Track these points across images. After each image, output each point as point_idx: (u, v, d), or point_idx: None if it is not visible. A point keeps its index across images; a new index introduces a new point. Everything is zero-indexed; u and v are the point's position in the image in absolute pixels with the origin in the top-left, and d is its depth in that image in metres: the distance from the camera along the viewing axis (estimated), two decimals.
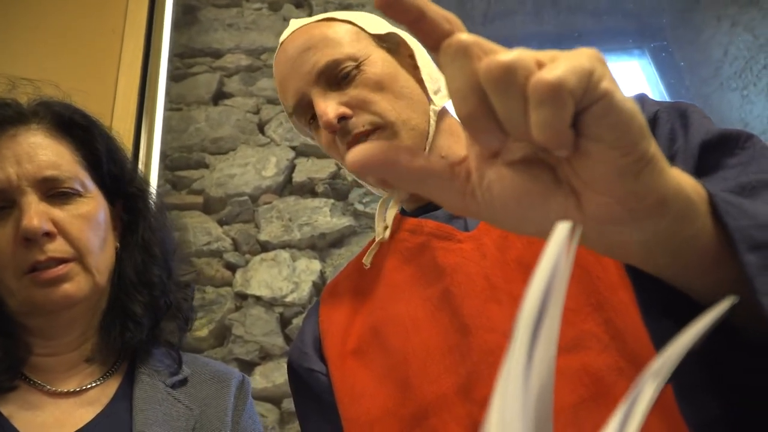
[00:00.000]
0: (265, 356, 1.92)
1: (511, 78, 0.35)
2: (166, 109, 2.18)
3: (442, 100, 0.96)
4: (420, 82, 0.94)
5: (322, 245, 2.12)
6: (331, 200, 2.20)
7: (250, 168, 2.25)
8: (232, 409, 1.00)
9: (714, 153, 0.74)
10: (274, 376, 1.85)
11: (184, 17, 2.56)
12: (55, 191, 0.89)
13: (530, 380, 0.27)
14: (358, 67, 0.89)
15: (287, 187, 2.24)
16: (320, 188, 2.21)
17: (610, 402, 0.66)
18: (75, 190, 0.91)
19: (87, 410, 0.91)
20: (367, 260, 0.97)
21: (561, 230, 0.31)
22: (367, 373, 0.83)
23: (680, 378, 0.39)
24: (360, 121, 0.87)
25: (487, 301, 0.76)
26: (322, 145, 0.94)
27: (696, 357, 0.36)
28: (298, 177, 2.24)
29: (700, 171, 0.72)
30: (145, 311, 0.97)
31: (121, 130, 1.89)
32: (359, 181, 2.23)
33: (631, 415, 0.26)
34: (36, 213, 0.84)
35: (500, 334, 0.74)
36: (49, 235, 0.85)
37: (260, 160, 2.27)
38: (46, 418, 0.87)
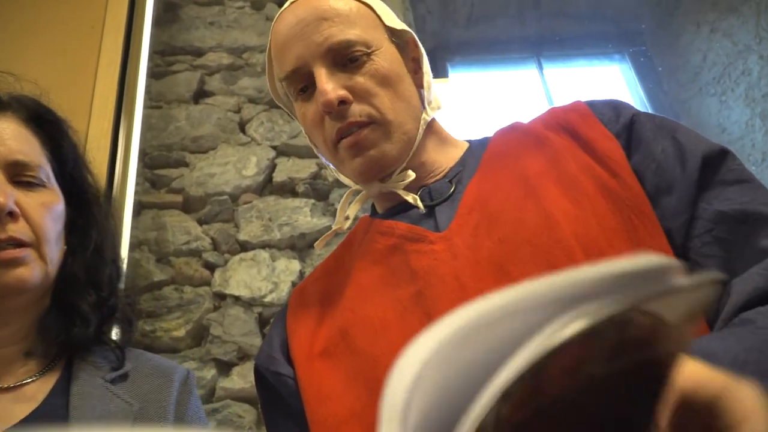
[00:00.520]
0: (243, 356, 1.91)
1: None
2: (146, 106, 2.17)
3: (433, 111, 0.96)
4: (418, 87, 0.94)
5: (301, 245, 2.11)
6: (312, 200, 2.19)
7: (231, 167, 2.24)
8: (174, 403, 0.98)
9: (713, 164, 0.76)
10: (251, 376, 1.82)
11: (165, 14, 2.55)
12: (21, 177, 0.90)
13: None
14: (368, 55, 0.87)
15: (267, 186, 2.24)
16: (301, 188, 2.21)
17: None
18: (40, 180, 0.92)
19: (23, 406, 0.88)
20: (318, 245, 0.97)
21: None
22: (334, 375, 0.82)
23: None
24: (358, 110, 0.85)
25: (456, 302, 0.76)
26: (305, 118, 0.91)
27: None
28: (279, 177, 2.24)
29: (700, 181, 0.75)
30: (93, 309, 0.97)
31: (100, 127, 1.88)
32: (339, 182, 2.23)
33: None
34: (3, 192, 0.85)
35: None
36: (12, 215, 0.86)
37: (241, 159, 2.26)
38: None
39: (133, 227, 1.94)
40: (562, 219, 0.75)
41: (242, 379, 1.86)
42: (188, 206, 2.18)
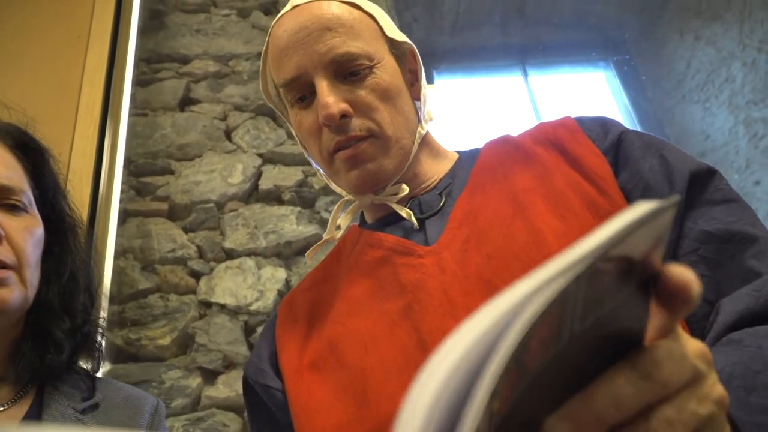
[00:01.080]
0: (229, 365, 1.90)
1: None
2: (132, 114, 2.16)
3: (427, 123, 0.96)
4: (414, 99, 0.94)
5: (287, 253, 2.11)
6: (298, 208, 2.19)
7: (216, 175, 2.23)
8: None
9: (700, 183, 0.77)
10: (237, 385, 1.83)
11: (152, 22, 2.55)
12: (5, 201, 0.91)
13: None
14: (371, 68, 0.86)
15: (253, 194, 2.24)
16: (287, 196, 2.21)
17: None
18: (23, 204, 0.93)
19: None
20: (309, 255, 0.97)
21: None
22: (323, 388, 0.81)
23: None
24: (358, 125, 0.85)
25: (444, 316, 0.76)
26: (300, 126, 0.90)
27: None
28: (265, 184, 2.24)
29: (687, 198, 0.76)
30: (66, 336, 0.96)
31: (85, 135, 1.87)
32: (326, 189, 2.24)
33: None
34: None
35: None
36: None
37: (226, 167, 2.26)
38: None
39: (118, 235, 1.93)
40: (550, 235, 0.76)
41: (228, 387, 1.86)
42: (174, 214, 2.17)
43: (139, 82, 2.38)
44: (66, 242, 1.02)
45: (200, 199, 2.18)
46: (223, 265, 2.07)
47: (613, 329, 0.35)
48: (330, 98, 0.83)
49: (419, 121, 0.94)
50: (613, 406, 0.35)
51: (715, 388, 0.39)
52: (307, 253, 0.97)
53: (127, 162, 2.13)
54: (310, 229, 2.13)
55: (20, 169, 0.96)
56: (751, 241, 0.70)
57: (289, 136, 2.35)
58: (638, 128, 0.91)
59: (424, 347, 0.75)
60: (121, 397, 1.00)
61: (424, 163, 0.95)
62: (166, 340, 1.90)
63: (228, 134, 2.36)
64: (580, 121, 0.89)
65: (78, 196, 1.55)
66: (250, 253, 2.10)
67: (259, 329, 1.96)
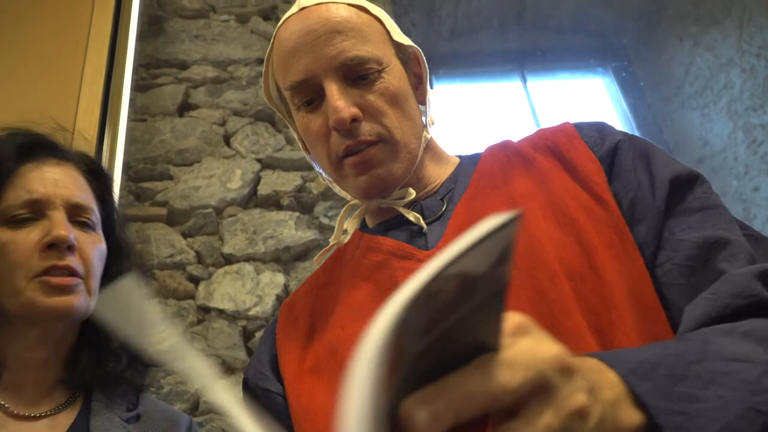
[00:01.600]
0: (228, 370, 1.90)
1: None
2: (131, 119, 2.16)
3: (431, 128, 0.97)
4: (419, 103, 0.94)
5: (286, 258, 2.11)
6: (296, 213, 2.19)
7: (215, 180, 2.23)
8: None
9: (680, 190, 0.77)
10: (236, 390, 1.82)
11: (150, 28, 2.55)
12: (78, 218, 1.01)
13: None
14: (380, 72, 0.86)
15: (252, 199, 2.24)
16: (285, 201, 2.21)
17: None
18: (92, 222, 1.03)
19: None
20: (317, 261, 0.97)
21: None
22: (324, 392, 0.81)
23: None
24: (368, 129, 0.84)
25: None
26: (307, 129, 0.89)
27: None
28: (263, 190, 2.24)
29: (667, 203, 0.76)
30: (123, 347, 1.04)
31: (84, 140, 1.87)
32: (324, 195, 2.24)
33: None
34: (66, 227, 0.95)
35: None
36: (71, 249, 0.95)
37: (225, 172, 2.26)
38: None
39: None
40: (547, 243, 0.76)
41: (226, 393, 1.85)
42: (172, 219, 2.17)
43: (138, 88, 2.38)
44: (121, 262, 1.10)
45: (199, 205, 2.18)
46: (221, 271, 2.07)
47: (468, 335, 0.38)
48: (341, 102, 0.82)
49: (425, 125, 0.94)
50: (463, 398, 0.37)
51: (574, 398, 0.40)
52: (315, 258, 0.97)
53: (126, 167, 2.13)
54: (309, 235, 2.13)
55: (90, 191, 1.06)
56: (724, 245, 0.70)
57: (288, 141, 2.35)
58: (637, 134, 0.91)
59: None
60: (159, 411, 1.08)
61: (428, 167, 0.95)
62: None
63: (227, 139, 2.36)
64: (579, 127, 0.89)
65: None
66: (248, 258, 2.09)
67: (258, 334, 1.96)
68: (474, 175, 0.91)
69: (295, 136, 1.01)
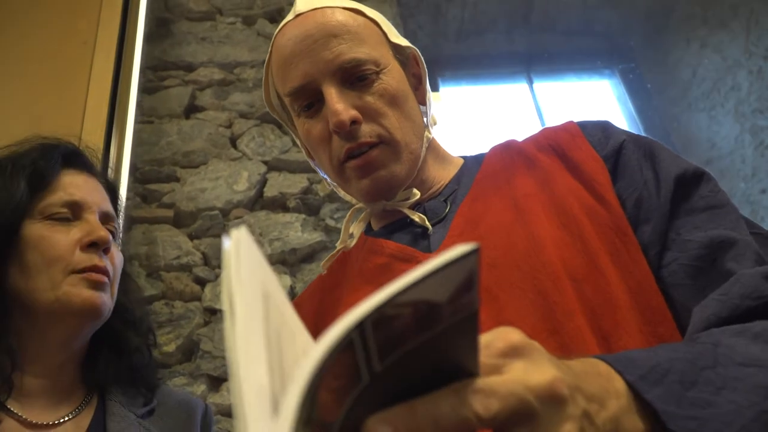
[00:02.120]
0: None
1: None
2: (138, 121, 2.17)
3: (433, 128, 0.96)
4: (419, 104, 0.94)
5: (293, 260, 2.11)
6: (303, 215, 2.20)
7: (222, 182, 2.24)
8: None
9: (686, 188, 0.77)
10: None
11: (158, 30, 2.56)
12: (106, 226, 1.05)
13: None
14: (378, 73, 0.86)
15: (258, 201, 2.24)
16: (292, 203, 2.21)
17: None
18: (116, 232, 1.10)
19: None
20: (324, 266, 0.97)
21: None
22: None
23: None
24: (368, 131, 0.85)
25: None
26: (309, 135, 0.90)
27: None
28: (270, 192, 2.24)
29: (672, 202, 0.75)
30: (142, 343, 1.10)
31: (91, 142, 1.87)
32: (331, 196, 2.24)
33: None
34: (105, 230, 1.01)
35: None
36: (106, 251, 1.01)
37: (232, 174, 2.26)
38: None
39: (124, 242, 1.93)
40: (550, 243, 0.75)
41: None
42: (179, 221, 2.18)
43: (145, 90, 2.39)
44: (129, 284, 1.16)
45: (205, 206, 2.18)
46: None
47: (439, 359, 0.38)
48: (340, 105, 0.83)
49: (426, 125, 0.94)
50: (432, 422, 0.36)
51: (560, 428, 0.39)
52: (322, 264, 0.97)
53: (133, 169, 2.13)
54: (315, 237, 2.13)
55: (110, 202, 1.13)
56: (731, 245, 0.70)
57: (295, 143, 2.35)
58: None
59: None
60: (173, 402, 1.11)
61: (431, 168, 0.95)
62: (171, 347, 1.90)
63: (233, 141, 2.37)
64: (582, 126, 0.89)
65: None
66: None
67: None
68: (477, 176, 0.91)
69: (298, 143, 1.01)
